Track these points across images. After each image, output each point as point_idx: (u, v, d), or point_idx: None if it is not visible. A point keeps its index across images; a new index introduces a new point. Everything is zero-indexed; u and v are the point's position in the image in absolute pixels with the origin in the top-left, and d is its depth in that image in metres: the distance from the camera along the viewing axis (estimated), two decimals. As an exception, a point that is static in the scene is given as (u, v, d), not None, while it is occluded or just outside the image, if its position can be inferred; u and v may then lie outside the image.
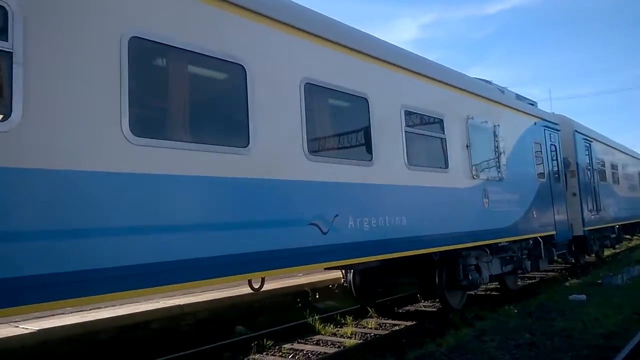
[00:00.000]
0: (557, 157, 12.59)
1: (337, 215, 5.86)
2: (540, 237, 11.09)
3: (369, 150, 6.63)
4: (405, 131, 7.28)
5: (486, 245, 9.21)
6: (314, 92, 5.93)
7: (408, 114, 7.41)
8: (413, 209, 7.18)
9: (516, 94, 11.94)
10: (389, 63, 7.24)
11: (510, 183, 9.96)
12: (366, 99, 6.67)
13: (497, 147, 9.73)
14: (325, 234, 5.67)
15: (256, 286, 5.88)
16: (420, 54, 8.41)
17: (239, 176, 4.91)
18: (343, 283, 10.19)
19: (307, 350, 7.24)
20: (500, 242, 9.51)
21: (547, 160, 11.87)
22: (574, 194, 13.54)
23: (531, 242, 11.11)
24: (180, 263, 4.28)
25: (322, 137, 6.15)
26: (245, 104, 5.08)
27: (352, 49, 6.59)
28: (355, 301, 9.90)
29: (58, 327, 6.84)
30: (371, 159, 6.60)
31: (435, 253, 7.83)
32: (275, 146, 5.35)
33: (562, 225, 12.18)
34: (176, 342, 7.49)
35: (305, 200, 5.54)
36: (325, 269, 7.07)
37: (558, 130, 12.92)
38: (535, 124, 11.70)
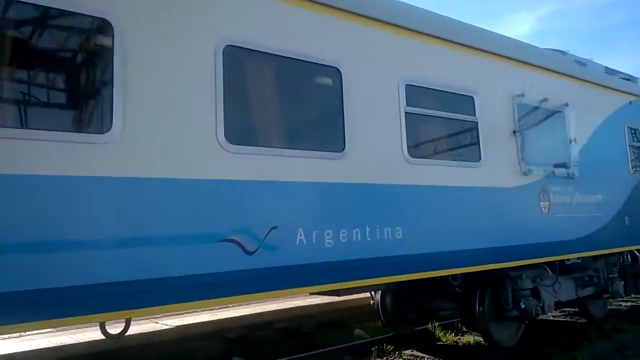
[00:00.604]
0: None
1: (274, 228, 4.26)
2: (638, 250, 8.49)
3: (341, 136, 4.93)
4: (406, 112, 5.44)
5: (548, 263, 6.98)
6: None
7: (410, 89, 5.56)
8: (416, 216, 5.32)
9: (606, 67, 9.30)
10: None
11: (586, 181, 7.55)
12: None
13: (566, 134, 7.41)
14: (251, 253, 4.10)
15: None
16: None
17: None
18: (373, 304, 8.44)
19: (429, 358, 7.01)
20: (568, 259, 7.17)
21: (648, 150, 9.11)
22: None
23: (627, 256, 8.55)
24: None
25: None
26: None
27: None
28: (385, 328, 8.11)
29: (192, 324, 7.49)
30: (343, 150, 4.89)
31: (455, 276, 5.88)
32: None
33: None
34: (298, 343, 7.72)
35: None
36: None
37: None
38: (630, 103, 9.01)
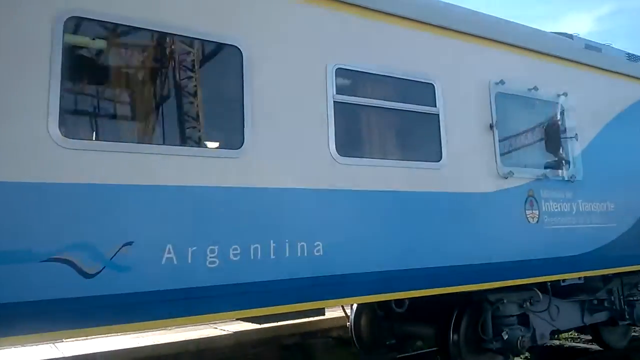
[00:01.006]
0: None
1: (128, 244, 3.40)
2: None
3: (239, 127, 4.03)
4: (335, 101, 4.48)
5: (541, 284, 5.80)
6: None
7: (342, 74, 4.60)
8: (344, 228, 4.34)
9: (629, 53, 7.95)
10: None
11: (593, 185, 6.31)
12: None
13: (565, 129, 6.22)
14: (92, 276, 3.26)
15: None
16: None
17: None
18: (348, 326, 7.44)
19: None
20: (563, 280, 5.94)
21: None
22: None
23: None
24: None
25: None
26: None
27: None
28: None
29: (251, 330, 7.44)
30: (242, 146, 3.98)
31: (400, 301, 4.84)
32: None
33: None
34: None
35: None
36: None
37: None
38: (654, 92, 7.64)
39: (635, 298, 7.02)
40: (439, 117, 5.08)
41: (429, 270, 4.73)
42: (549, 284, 5.81)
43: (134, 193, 3.44)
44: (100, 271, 3.26)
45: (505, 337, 5.54)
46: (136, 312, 3.34)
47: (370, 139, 4.77)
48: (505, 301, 5.58)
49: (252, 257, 3.82)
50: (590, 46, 6.98)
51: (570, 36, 7.24)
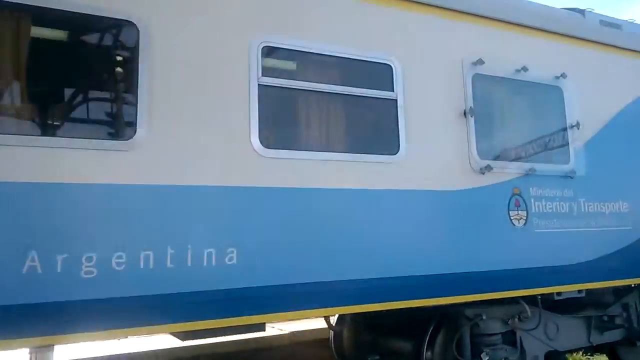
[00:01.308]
0: None
1: None
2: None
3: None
4: (260, 84, 3.85)
5: (531, 298, 4.98)
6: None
7: (270, 53, 3.97)
8: (269, 232, 3.72)
9: None
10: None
11: (598, 181, 5.41)
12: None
13: (564, 117, 5.34)
14: None
15: None
16: None
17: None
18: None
19: None
20: (559, 293, 5.06)
21: None
22: None
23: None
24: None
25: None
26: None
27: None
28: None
29: (305, 330, 7.65)
30: (133, 136, 3.43)
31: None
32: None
33: None
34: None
35: None
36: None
37: None
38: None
39: (657, 314, 6.03)
40: (396, 102, 4.38)
41: (376, 282, 4.03)
42: (539, 297, 4.96)
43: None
44: None
45: (485, 358, 4.77)
46: None
47: (306, 129, 4.12)
48: (484, 317, 4.79)
49: (141, 266, 3.26)
50: (606, 22, 6.06)
51: (582, 12, 6.33)
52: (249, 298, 3.61)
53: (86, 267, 3.14)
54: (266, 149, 3.79)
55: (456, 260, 4.43)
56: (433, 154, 4.49)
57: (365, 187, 4.13)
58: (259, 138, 3.77)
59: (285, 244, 3.74)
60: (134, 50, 3.46)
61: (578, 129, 5.36)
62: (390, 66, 4.42)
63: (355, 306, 3.99)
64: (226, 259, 3.54)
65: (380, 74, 4.39)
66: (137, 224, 3.30)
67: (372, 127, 4.39)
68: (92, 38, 3.58)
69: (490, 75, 4.94)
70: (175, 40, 3.60)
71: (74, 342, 3.27)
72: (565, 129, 5.30)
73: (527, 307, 4.89)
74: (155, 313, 3.30)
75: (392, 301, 4.09)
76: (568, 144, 5.30)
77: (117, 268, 3.21)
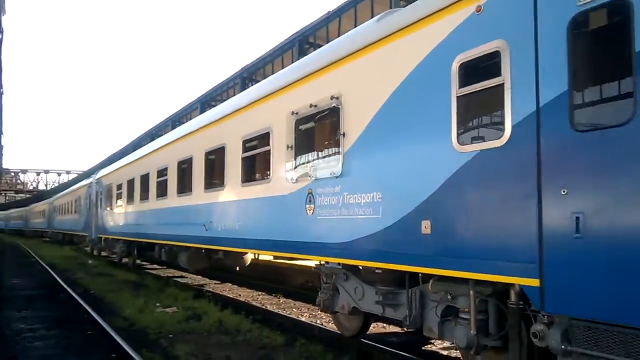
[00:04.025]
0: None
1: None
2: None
3: None
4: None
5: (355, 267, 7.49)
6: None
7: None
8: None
9: None
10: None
11: (356, 178, 6.69)
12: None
13: (337, 130, 7.04)
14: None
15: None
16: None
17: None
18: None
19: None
20: (327, 262, 6.95)
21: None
22: None
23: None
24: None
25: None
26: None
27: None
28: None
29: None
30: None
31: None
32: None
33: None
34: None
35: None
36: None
37: None
38: (480, 9, 5.01)
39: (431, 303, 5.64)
40: (270, 152, 8.78)
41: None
42: (360, 267, 7.03)
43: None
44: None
45: (320, 296, 7.91)
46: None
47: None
48: (324, 270, 7.80)
49: (223, 228, 10.51)
50: (382, 17, 6.46)
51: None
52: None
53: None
54: (241, 184, 9.81)
55: (282, 232, 8.28)
56: (276, 178, 8.47)
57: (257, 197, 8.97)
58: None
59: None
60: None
61: (344, 137, 6.92)
62: (269, 133, 8.85)
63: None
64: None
65: (265, 136, 8.94)
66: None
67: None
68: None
69: (303, 117, 7.87)
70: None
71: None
72: (338, 140, 7.04)
73: (344, 270, 7.36)
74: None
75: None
76: (339, 150, 7.01)
77: (220, 228, 10.61)
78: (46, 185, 78.78)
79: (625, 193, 3.87)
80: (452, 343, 5.87)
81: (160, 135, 26.41)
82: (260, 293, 14.20)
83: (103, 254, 25.86)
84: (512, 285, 4.83)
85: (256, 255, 12.31)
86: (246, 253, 11.99)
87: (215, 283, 16.59)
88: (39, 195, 72.03)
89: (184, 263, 14.02)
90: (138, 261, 21.26)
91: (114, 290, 14.13)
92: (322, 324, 9.61)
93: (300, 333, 8.56)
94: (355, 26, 6.64)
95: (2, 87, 21.17)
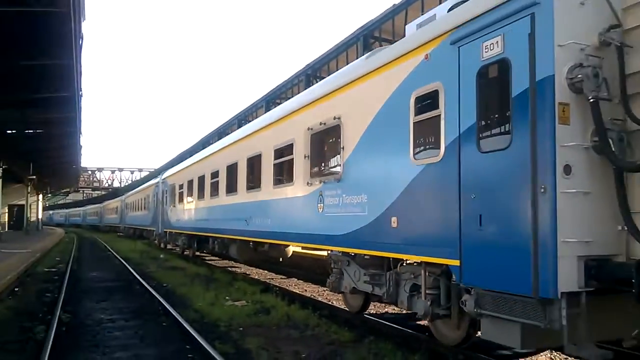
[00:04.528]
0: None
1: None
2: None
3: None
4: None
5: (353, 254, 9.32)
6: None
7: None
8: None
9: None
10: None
11: (350, 182, 8.50)
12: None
13: (339, 144, 8.85)
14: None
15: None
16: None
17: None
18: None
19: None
20: (332, 250, 8.77)
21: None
22: None
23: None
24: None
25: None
26: None
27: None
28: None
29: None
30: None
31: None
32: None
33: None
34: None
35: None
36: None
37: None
38: (427, 57, 6.69)
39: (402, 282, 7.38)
40: (293, 160, 10.68)
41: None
42: (353, 254, 8.86)
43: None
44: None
45: (331, 277, 9.75)
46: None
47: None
48: (332, 257, 9.65)
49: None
50: (371, 52, 8.20)
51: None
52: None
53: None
54: (273, 186, 11.81)
55: (301, 226, 10.18)
56: (297, 182, 10.37)
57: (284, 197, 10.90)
58: (272, 182, 11.85)
59: (275, 218, 11.68)
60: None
61: (343, 150, 8.71)
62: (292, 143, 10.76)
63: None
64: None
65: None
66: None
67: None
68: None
69: (316, 132, 9.72)
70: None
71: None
72: (339, 151, 8.83)
73: (344, 257, 9.18)
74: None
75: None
76: (340, 160, 8.80)
77: (258, 223, 12.65)
78: (120, 183, 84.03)
79: (505, 197, 5.48)
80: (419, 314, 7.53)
81: (227, 134, 28.00)
82: (325, 289, 13.29)
83: (169, 246, 28.55)
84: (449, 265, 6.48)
85: (287, 249, 14.15)
86: (287, 245, 13.87)
87: (281, 278, 16.91)
88: (112, 193, 77.36)
89: (234, 254, 16.25)
90: (197, 253, 23.75)
91: (186, 284, 14.61)
92: (390, 324, 9.22)
93: (368, 330, 8.57)
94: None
95: (81, 90, 23.10)
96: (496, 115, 5.73)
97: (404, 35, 8.22)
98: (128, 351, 7.64)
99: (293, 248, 14.44)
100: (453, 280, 6.52)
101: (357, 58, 10.47)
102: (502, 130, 5.62)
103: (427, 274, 6.93)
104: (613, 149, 4.99)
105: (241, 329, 8.94)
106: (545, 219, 5.03)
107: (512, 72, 5.44)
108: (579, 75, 4.96)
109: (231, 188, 15.03)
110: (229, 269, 19.45)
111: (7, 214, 53.54)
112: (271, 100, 31.06)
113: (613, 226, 5.19)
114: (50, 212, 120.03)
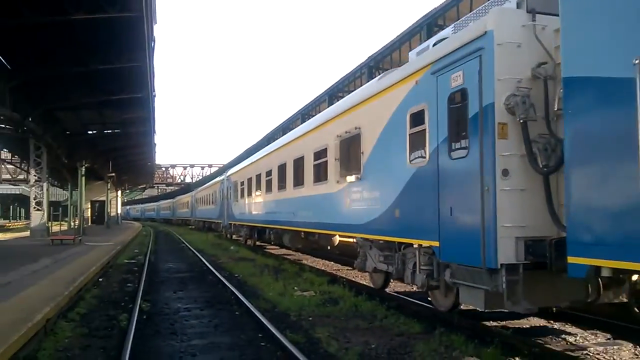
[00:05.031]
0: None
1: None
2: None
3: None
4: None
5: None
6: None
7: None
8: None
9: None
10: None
11: (369, 180, 10.48)
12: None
13: (360, 149, 10.80)
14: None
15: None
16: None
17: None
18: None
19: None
20: (354, 238, 10.74)
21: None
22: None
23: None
24: None
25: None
26: None
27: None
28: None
29: None
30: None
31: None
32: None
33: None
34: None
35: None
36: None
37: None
38: (417, 83, 8.56)
39: (407, 262, 9.23)
40: (327, 161, 12.72)
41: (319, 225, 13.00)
42: (372, 240, 10.94)
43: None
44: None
45: (358, 259, 11.73)
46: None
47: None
48: (358, 243, 11.66)
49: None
50: (382, 75, 10.08)
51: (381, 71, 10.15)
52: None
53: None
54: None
55: (334, 217, 12.22)
56: (330, 180, 12.41)
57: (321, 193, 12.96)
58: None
59: (315, 211, 13.78)
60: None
61: (363, 154, 10.66)
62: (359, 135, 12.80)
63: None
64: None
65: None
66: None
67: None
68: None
69: (343, 139, 11.71)
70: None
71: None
72: (360, 155, 10.78)
73: (364, 242, 11.18)
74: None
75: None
76: (361, 163, 10.76)
77: (302, 215, 14.81)
78: (192, 178, 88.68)
79: (465, 193, 7.27)
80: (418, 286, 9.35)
81: (291, 129, 29.53)
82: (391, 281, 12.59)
83: (234, 237, 31.26)
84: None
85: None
86: (334, 235, 15.91)
87: (347, 269, 16.82)
88: (183, 188, 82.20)
89: (287, 242, 18.57)
90: (258, 243, 26.27)
91: (255, 274, 15.15)
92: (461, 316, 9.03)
93: (438, 322, 8.51)
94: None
95: (154, 91, 24.86)
96: (460, 131, 7.51)
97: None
98: (204, 339, 8.00)
99: (339, 237, 16.48)
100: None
101: (420, 44, 11.57)
102: (462, 145, 7.42)
103: (421, 254, 8.78)
104: (539, 157, 6.67)
105: (310, 318, 9.19)
106: (489, 210, 6.81)
107: (469, 99, 7.22)
108: (512, 102, 6.69)
109: (281, 185, 17.30)
110: (297, 261, 19.73)
111: (90, 210, 57.45)
112: (334, 94, 30.73)
113: (546, 214, 6.87)
114: (127, 207, 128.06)
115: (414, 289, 10.49)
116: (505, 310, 7.29)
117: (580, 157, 5.68)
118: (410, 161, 8.76)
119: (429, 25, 19.74)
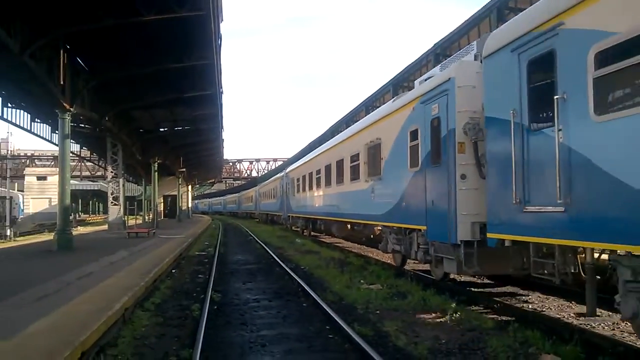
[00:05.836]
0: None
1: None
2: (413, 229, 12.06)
3: (343, 178, 18.03)
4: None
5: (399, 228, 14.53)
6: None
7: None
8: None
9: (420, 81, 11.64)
10: (349, 136, 17.51)
11: (386, 179, 13.74)
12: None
13: (380, 155, 14.01)
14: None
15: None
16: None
17: None
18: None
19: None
20: (377, 226, 14.01)
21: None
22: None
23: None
24: None
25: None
26: None
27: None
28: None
29: None
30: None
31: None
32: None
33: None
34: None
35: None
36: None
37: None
38: (413, 109, 11.71)
39: (414, 243, 12.35)
40: (359, 164, 16.00)
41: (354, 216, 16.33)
42: (394, 227, 14.23)
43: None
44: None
45: (382, 243, 14.95)
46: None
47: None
48: (381, 229, 14.88)
49: (343, 207, 18.09)
50: (397, 95, 13.28)
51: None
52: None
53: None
54: (350, 181, 17.25)
55: (363, 209, 15.51)
56: (361, 179, 15.69)
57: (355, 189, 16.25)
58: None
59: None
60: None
61: (382, 159, 13.89)
62: (379, 144, 16.08)
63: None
64: (348, 207, 17.51)
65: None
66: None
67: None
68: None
69: (370, 146, 14.96)
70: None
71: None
72: (380, 160, 14.01)
73: (385, 228, 14.43)
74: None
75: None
76: (381, 165, 13.99)
77: (342, 207, 18.20)
78: (257, 172, 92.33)
79: (440, 191, 10.38)
80: (419, 261, 12.44)
81: (355, 121, 30.86)
82: (457, 275, 12.64)
83: (293, 228, 34.74)
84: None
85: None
86: (376, 225, 19.11)
87: (414, 262, 14.73)
88: (249, 183, 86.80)
89: (335, 232, 22.06)
90: (313, 233, 29.84)
91: (321, 267, 15.33)
92: (535, 309, 9.35)
93: (512, 317, 8.64)
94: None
95: (221, 87, 25.24)
96: (437, 146, 10.61)
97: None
98: (273, 330, 8.12)
99: (380, 227, 19.70)
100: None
101: (489, 31, 12.74)
102: (438, 156, 10.53)
103: (419, 236, 11.91)
104: (484, 167, 9.65)
105: (378, 312, 9.15)
106: (452, 203, 9.90)
107: (441, 124, 10.32)
108: (467, 127, 9.72)
109: (328, 182, 20.77)
110: (362, 253, 19.90)
111: (162, 204, 59.31)
112: (398, 83, 29.60)
113: (495, 206, 9.85)
114: (196, 201, 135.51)
115: (420, 263, 13.54)
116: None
117: (491, 168, 8.72)
118: (410, 166, 11.91)
119: (499, 9, 18.85)
